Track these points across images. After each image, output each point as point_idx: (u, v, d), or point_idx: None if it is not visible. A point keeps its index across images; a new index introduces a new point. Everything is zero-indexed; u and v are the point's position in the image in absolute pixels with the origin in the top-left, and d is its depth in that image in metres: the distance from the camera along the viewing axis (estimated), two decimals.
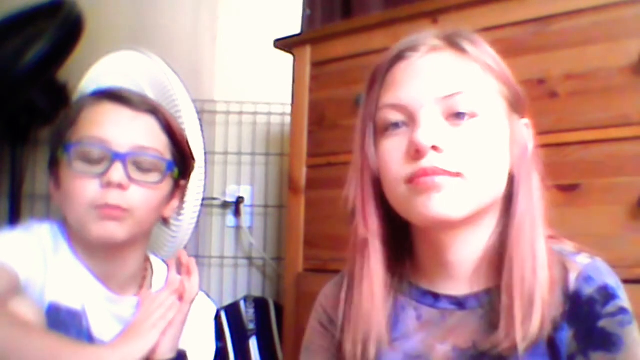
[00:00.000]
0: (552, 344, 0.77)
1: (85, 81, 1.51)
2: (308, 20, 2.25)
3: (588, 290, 0.78)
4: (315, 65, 1.78)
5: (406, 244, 0.89)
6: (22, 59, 1.56)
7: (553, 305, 0.77)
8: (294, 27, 2.24)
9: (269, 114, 2.36)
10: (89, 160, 1.01)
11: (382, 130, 0.82)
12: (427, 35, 0.83)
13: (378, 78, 0.85)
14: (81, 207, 1.00)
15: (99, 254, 1.05)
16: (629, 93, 1.25)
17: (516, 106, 0.83)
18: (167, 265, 1.08)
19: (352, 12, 2.17)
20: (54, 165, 1.07)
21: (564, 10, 1.34)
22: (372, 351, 0.83)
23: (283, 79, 1.97)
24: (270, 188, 2.37)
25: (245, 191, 2.38)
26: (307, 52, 1.79)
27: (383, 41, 1.63)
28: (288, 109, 1.91)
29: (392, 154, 0.80)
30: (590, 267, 0.80)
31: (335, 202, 1.70)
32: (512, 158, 0.82)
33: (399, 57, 0.82)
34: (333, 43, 1.75)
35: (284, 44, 1.85)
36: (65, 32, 1.63)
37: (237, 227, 2.39)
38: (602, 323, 0.76)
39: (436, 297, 0.85)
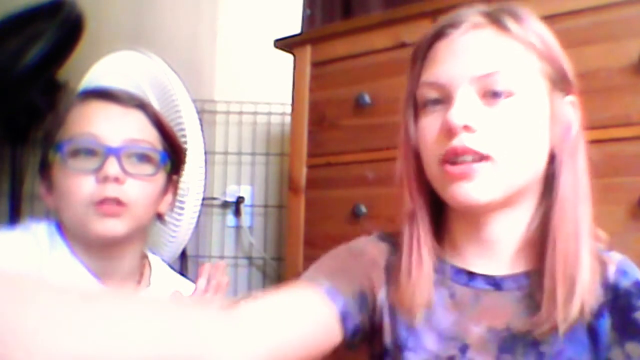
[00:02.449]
0: (592, 332, 0.78)
1: (85, 81, 1.51)
2: (308, 20, 2.25)
3: (625, 283, 0.79)
4: (316, 65, 1.79)
5: (442, 223, 0.88)
6: (22, 59, 1.57)
7: (593, 292, 0.77)
8: (294, 27, 2.25)
9: (269, 113, 2.36)
10: (83, 157, 1.01)
11: (422, 106, 0.82)
12: (470, 12, 0.82)
13: (419, 55, 0.84)
14: (79, 205, 1.00)
15: (97, 251, 1.05)
16: (629, 93, 1.25)
17: (560, 84, 0.81)
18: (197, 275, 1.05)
19: (352, 12, 2.17)
20: (45, 169, 1.07)
21: (564, 10, 1.34)
22: (410, 320, 0.82)
23: (283, 79, 1.97)
24: (271, 188, 2.37)
25: (245, 191, 2.38)
26: (307, 52, 1.79)
27: (383, 41, 1.63)
28: (288, 109, 1.91)
29: (428, 131, 0.80)
30: (624, 262, 0.81)
31: (335, 202, 1.71)
32: (553, 138, 0.81)
33: (440, 33, 0.82)
34: (333, 43, 1.75)
35: (284, 43, 1.85)
36: (65, 32, 1.63)
37: (237, 227, 2.39)
38: (637, 314, 0.77)
39: (471, 275, 0.84)
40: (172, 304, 0.65)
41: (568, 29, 1.33)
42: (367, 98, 1.65)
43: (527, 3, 1.32)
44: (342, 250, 0.90)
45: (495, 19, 0.80)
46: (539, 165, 0.80)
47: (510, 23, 0.80)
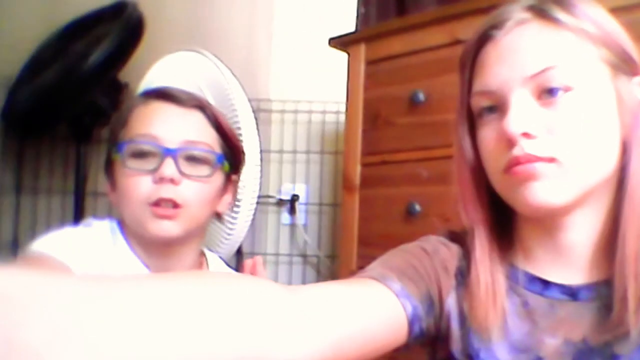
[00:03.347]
0: None
1: (144, 81, 1.54)
2: (362, 18, 2.25)
3: None
4: (370, 63, 1.78)
5: (513, 229, 0.83)
6: (86, 60, 1.61)
7: None
8: (348, 25, 2.25)
9: (324, 112, 2.37)
10: (141, 158, 1.03)
11: (477, 116, 0.78)
12: (514, 9, 0.76)
13: (467, 63, 0.80)
14: (136, 205, 1.02)
15: (155, 250, 1.07)
16: None
17: (623, 67, 0.75)
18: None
19: (407, 10, 2.16)
20: (109, 167, 1.10)
21: (626, 4, 1.29)
22: (493, 333, 0.77)
23: (338, 78, 1.97)
24: (325, 186, 2.38)
25: (300, 189, 2.40)
26: (362, 50, 1.79)
27: (438, 38, 1.62)
28: (343, 108, 1.91)
29: (488, 143, 0.76)
30: None
31: (389, 201, 1.71)
32: (624, 126, 0.74)
33: (485, 37, 0.77)
34: (388, 41, 1.75)
35: (339, 42, 1.86)
36: (127, 33, 1.67)
37: (292, 225, 2.41)
38: None
39: (546, 284, 0.78)
40: (223, 284, 0.56)
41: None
42: (421, 96, 1.64)
43: None
44: (413, 247, 0.85)
45: (540, 12, 0.74)
46: (611, 160, 0.74)
47: (557, 13, 0.74)
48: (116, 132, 1.09)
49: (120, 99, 1.75)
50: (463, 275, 0.82)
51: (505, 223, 0.83)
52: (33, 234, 1.13)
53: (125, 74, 1.77)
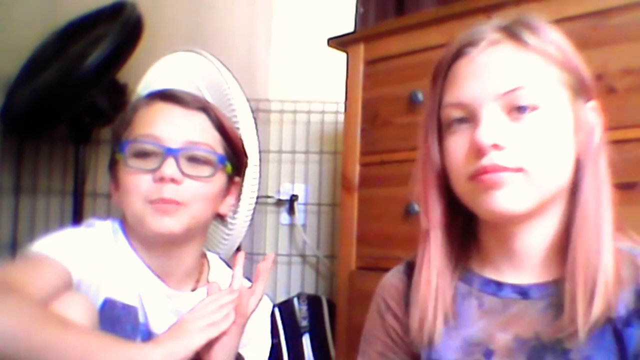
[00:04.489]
0: (620, 340, 0.77)
1: (143, 82, 1.55)
2: (361, 18, 2.26)
3: None
4: (369, 63, 1.79)
5: (471, 234, 0.89)
6: (85, 61, 1.61)
7: (619, 296, 0.76)
8: (347, 25, 2.25)
9: (323, 112, 2.37)
10: (143, 157, 1.04)
11: (447, 126, 0.84)
12: (487, 29, 0.83)
13: (440, 75, 0.85)
14: (137, 202, 1.03)
15: (157, 249, 1.07)
16: None
17: (581, 91, 0.82)
18: (230, 266, 1.08)
19: (405, 10, 2.16)
20: (113, 167, 1.11)
21: (622, 3, 1.30)
22: (426, 337, 0.85)
23: (337, 78, 1.98)
24: (324, 186, 2.38)
25: (299, 189, 2.40)
26: (361, 50, 1.80)
27: (437, 38, 1.62)
28: (341, 108, 1.92)
29: (455, 151, 0.82)
30: None
31: (388, 200, 1.71)
32: (578, 145, 0.81)
33: (459, 53, 0.83)
34: (386, 41, 1.75)
35: (338, 42, 1.86)
36: (125, 34, 1.67)
37: (291, 225, 2.41)
38: None
39: (499, 285, 0.85)
40: None
41: (627, 23, 1.30)
42: (420, 96, 1.64)
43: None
44: (371, 321, 0.95)
45: (512, 34, 0.81)
46: (566, 174, 0.81)
47: (527, 36, 0.81)
48: (120, 133, 1.09)
49: (119, 99, 1.75)
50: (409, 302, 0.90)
51: (461, 229, 0.89)
52: (32, 234, 1.13)
53: (124, 75, 1.77)
